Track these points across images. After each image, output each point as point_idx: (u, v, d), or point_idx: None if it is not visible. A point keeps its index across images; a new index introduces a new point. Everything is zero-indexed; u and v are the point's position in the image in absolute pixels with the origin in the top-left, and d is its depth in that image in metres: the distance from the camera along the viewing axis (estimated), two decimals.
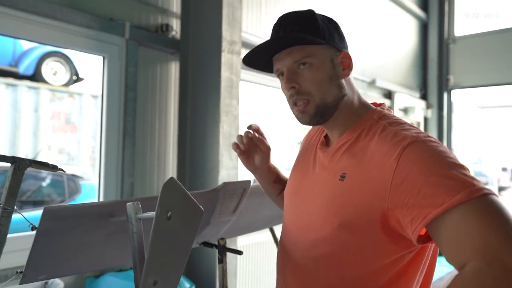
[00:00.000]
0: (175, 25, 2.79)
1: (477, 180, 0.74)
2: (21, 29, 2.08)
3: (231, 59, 2.61)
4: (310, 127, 1.13)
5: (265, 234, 2.35)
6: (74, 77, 5.34)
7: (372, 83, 4.84)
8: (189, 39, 2.69)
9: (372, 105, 1.02)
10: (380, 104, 1.03)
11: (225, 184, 1.24)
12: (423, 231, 0.78)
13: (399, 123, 0.90)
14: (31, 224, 0.87)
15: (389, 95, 5.21)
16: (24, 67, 5.07)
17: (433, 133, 5.99)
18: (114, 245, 1.06)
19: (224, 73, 2.57)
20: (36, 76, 5.08)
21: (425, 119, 6.00)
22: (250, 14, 3.30)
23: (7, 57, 5.09)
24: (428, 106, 5.95)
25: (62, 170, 0.94)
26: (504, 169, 14.14)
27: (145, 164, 2.62)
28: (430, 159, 0.78)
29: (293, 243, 1.02)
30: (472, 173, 0.77)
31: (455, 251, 0.71)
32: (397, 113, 5.29)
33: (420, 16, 5.89)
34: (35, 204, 4.23)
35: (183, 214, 0.89)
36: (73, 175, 4.03)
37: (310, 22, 0.94)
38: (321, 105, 0.94)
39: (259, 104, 4.91)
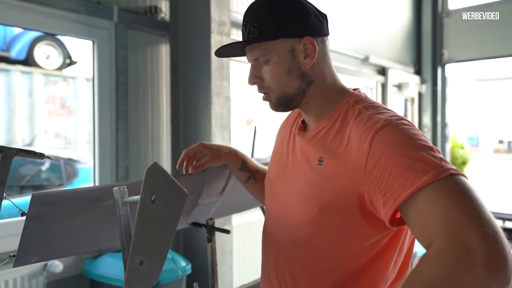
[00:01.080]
0: (164, 7, 2.77)
1: (445, 161, 0.76)
2: (8, 15, 2.08)
3: (220, 40, 2.61)
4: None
5: (259, 213, 2.41)
6: (68, 61, 5.30)
7: (365, 60, 4.84)
8: (179, 21, 2.68)
9: (348, 88, 1.02)
10: (355, 89, 1.03)
11: (210, 167, 1.28)
12: (398, 214, 0.80)
13: (374, 106, 0.92)
14: (21, 210, 0.91)
15: (382, 71, 5.21)
16: (16, 51, 5.03)
17: (427, 108, 6.02)
18: (104, 227, 1.10)
19: (214, 55, 2.57)
20: (28, 61, 5.05)
21: (420, 95, 6.01)
22: None
23: None
24: (423, 81, 5.96)
25: (48, 157, 0.97)
26: (500, 142, 14.20)
27: (139, 147, 2.65)
28: (400, 142, 0.80)
29: (274, 228, 1.06)
30: (441, 154, 0.79)
31: (422, 231, 0.72)
32: (391, 89, 5.30)
33: None
34: (35, 188, 4.28)
35: (167, 197, 0.93)
36: (70, 159, 4.07)
37: (265, 15, 0.94)
38: (282, 97, 0.97)
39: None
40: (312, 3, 1.01)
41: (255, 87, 1.02)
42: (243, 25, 0.97)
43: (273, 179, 1.10)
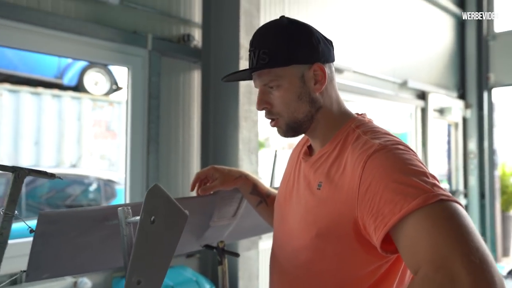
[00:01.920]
0: (197, 35, 2.89)
1: (437, 186, 0.74)
2: (50, 45, 2.25)
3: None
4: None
5: None
6: (114, 87, 5.62)
7: (403, 84, 4.73)
8: (211, 48, 2.78)
9: (352, 113, 1.03)
10: (361, 114, 1.04)
11: (220, 192, 1.29)
12: (391, 240, 0.78)
13: (374, 131, 0.91)
14: (30, 227, 0.96)
15: (422, 95, 5.06)
16: (68, 78, 5.40)
17: (473, 134, 5.74)
18: (111, 246, 1.13)
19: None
20: (78, 87, 5.39)
21: (464, 120, 5.76)
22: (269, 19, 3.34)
23: (53, 70, 5.44)
24: (467, 106, 5.72)
25: (59, 177, 1.02)
26: None
27: (169, 169, 2.73)
28: (392, 166, 0.79)
29: (279, 252, 1.07)
30: (436, 181, 0.76)
31: (410, 257, 0.71)
32: (432, 114, 5.13)
33: (456, 14, 5.68)
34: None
35: (167, 218, 0.95)
36: (110, 180, 4.24)
37: (275, 42, 0.94)
38: (291, 122, 0.98)
39: None
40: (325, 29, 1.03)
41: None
42: (250, 51, 0.98)
43: (281, 203, 1.11)
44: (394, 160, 0.80)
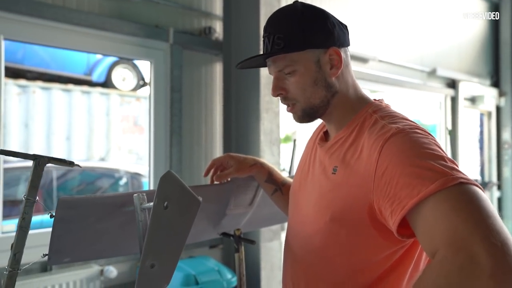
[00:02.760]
0: (218, 27, 2.90)
1: (456, 170, 0.72)
2: (75, 41, 2.32)
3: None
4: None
5: None
6: (141, 82, 5.73)
7: (432, 73, 4.59)
8: (231, 39, 2.79)
9: (369, 98, 1.02)
10: (378, 100, 1.02)
11: (233, 180, 1.30)
12: (408, 225, 0.77)
13: (391, 116, 0.90)
14: (50, 212, 1.00)
15: (452, 84, 4.90)
16: (97, 75, 5.54)
17: (507, 123, 5.52)
18: (129, 232, 1.16)
19: (263, 71, 2.62)
20: (107, 83, 5.53)
21: (498, 108, 5.55)
22: None
23: (82, 67, 5.60)
24: (501, 94, 5.50)
25: (78, 165, 1.05)
26: None
27: (192, 161, 2.77)
28: (409, 150, 0.78)
29: (293, 237, 1.06)
30: (455, 165, 0.74)
31: (427, 241, 0.70)
32: (463, 103, 4.96)
33: None
34: None
35: (180, 204, 0.97)
36: (136, 173, 4.34)
37: (290, 26, 0.93)
38: (307, 108, 0.97)
39: None
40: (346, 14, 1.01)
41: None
42: (264, 36, 0.97)
43: (296, 190, 1.11)
44: (411, 144, 0.79)
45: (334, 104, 0.98)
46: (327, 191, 0.93)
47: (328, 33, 0.95)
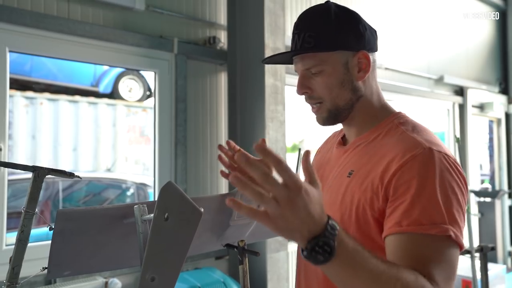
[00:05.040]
0: (223, 37, 2.90)
1: (455, 222, 0.78)
2: (80, 52, 2.33)
3: (274, 66, 2.65)
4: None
5: None
6: (147, 93, 5.75)
7: (439, 80, 4.55)
8: (236, 49, 2.78)
9: (392, 108, 1.01)
10: (399, 112, 1.01)
11: (238, 191, 1.28)
12: None
13: (418, 130, 0.91)
14: (49, 224, 0.99)
15: (460, 91, 4.85)
16: (104, 86, 5.58)
17: None
18: (131, 244, 1.14)
19: (268, 80, 2.61)
20: (113, 94, 5.56)
21: (507, 115, 5.48)
22: (295, 18, 3.31)
23: (89, 79, 5.65)
24: (510, 101, 5.44)
25: (78, 177, 1.04)
26: None
27: (197, 171, 2.75)
28: (431, 179, 0.81)
29: None
30: (460, 210, 0.81)
31: (398, 258, 0.77)
32: (471, 110, 4.90)
33: (497, 4, 5.41)
34: None
35: (181, 215, 0.95)
36: (143, 184, 4.33)
37: (323, 25, 0.92)
38: (333, 109, 0.96)
39: (307, 107, 4.84)
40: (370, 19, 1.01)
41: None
42: (295, 33, 0.96)
43: None
44: (431, 172, 0.81)
45: (357, 108, 0.97)
46: (340, 194, 0.93)
47: (360, 35, 0.94)
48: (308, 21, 0.94)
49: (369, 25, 0.98)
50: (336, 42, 0.92)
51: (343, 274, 0.68)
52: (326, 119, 0.98)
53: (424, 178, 0.80)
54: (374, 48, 0.98)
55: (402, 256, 0.78)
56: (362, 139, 0.97)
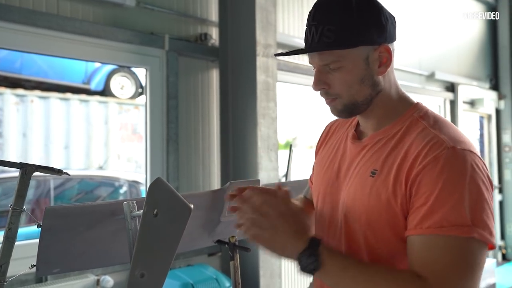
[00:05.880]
0: (214, 34, 2.89)
1: (480, 220, 0.77)
2: (70, 49, 2.31)
3: (266, 63, 2.65)
4: None
5: None
6: (139, 90, 5.72)
7: (430, 77, 4.58)
8: (228, 45, 2.77)
9: (411, 99, 0.96)
10: (417, 103, 0.96)
11: (231, 183, 1.28)
12: None
13: (439, 125, 0.87)
14: (37, 222, 0.98)
15: (451, 87, 4.89)
16: (95, 83, 5.53)
17: (507, 126, 5.50)
18: (121, 241, 1.14)
19: (260, 77, 2.61)
20: (105, 91, 5.52)
21: (497, 111, 5.53)
22: (287, 15, 3.31)
23: (80, 76, 5.60)
24: (500, 97, 5.49)
25: (66, 173, 1.03)
26: None
27: (189, 168, 2.74)
28: (452, 178, 0.79)
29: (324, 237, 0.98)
30: (488, 208, 0.79)
31: (419, 261, 0.78)
32: (462, 106, 4.94)
33: (487, 1, 5.45)
34: None
35: (170, 211, 0.94)
36: (135, 181, 4.32)
37: (343, 18, 0.85)
38: (350, 104, 0.91)
39: (300, 104, 4.84)
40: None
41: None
42: (312, 25, 0.88)
43: (326, 191, 1.00)
44: (455, 172, 0.79)
45: (375, 102, 0.92)
46: (364, 194, 0.88)
47: (381, 28, 0.87)
48: (327, 13, 0.87)
49: (389, 13, 0.91)
50: (357, 38, 0.85)
51: (334, 280, 0.81)
52: (341, 112, 0.93)
53: (447, 179, 0.78)
54: (393, 38, 0.92)
55: (417, 258, 0.78)
56: (381, 134, 0.92)
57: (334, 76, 0.88)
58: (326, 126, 1.15)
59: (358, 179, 0.91)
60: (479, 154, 0.84)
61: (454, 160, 0.79)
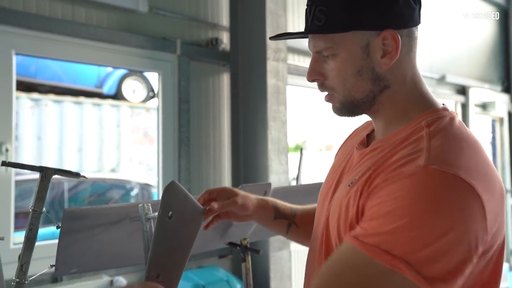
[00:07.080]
0: (225, 38, 2.93)
1: (423, 259, 0.60)
2: (85, 54, 2.36)
3: (277, 66, 2.68)
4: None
5: None
6: (151, 94, 5.79)
7: (441, 80, 4.56)
8: (238, 50, 2.81)
9: (434, 101, 0.79)
10: (443, 106, 0.80)
11: (242, 186, 1.30)
12: None
13: (441, 140, 0.69)
14: (56, 223, 1.02)
15: (462, 90, 4.86)
16: (108, 87, 5.62)
17: None
18: (136, 242, 1.17)
19: (270, 80, 2.64)
20: (117, 95, 5.60)
21: (510, 114, 5.47)
22: (297, 19, 3.33)
23: (93, 80, 5.69)
24: None
25: (84, 177, 1.07)
26: None
27: (201, 171, 2.78)
28: (407, 200, 0.64)
29: (311, 247, 0.95)
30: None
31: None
32: (473, 110, 4.91)
33: (499, 3, 5.41)
34: None
35: (184, 214, 0.97)
36: (147, 184, 4.37)
37: None
38: (346, 102, 0.79)
39: (309, 107, 4.85)
40: None
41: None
42: (307, 6, 0.78)
43: (324, 194, 0.93)
44: (412, 193, 0.64)
45: (381, 101, 0.78)
46: (342, 206, 0.78)
47: (384, 10, 0.72)
48: None
49: None
50: (349, 20, 0.72)
51: None
52: (339, 111, 0.81)
53: (400, 199, 0.64)
54: (410, 23, 0.75)
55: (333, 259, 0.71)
56: (381, 141, 0.78)
57: (329, 66, 0.77)
58: (358, 128, 1.02)
59: (342, 189, 0.81)
60: (480, 188, 0.63)
61: (421, 180, 0.64)
